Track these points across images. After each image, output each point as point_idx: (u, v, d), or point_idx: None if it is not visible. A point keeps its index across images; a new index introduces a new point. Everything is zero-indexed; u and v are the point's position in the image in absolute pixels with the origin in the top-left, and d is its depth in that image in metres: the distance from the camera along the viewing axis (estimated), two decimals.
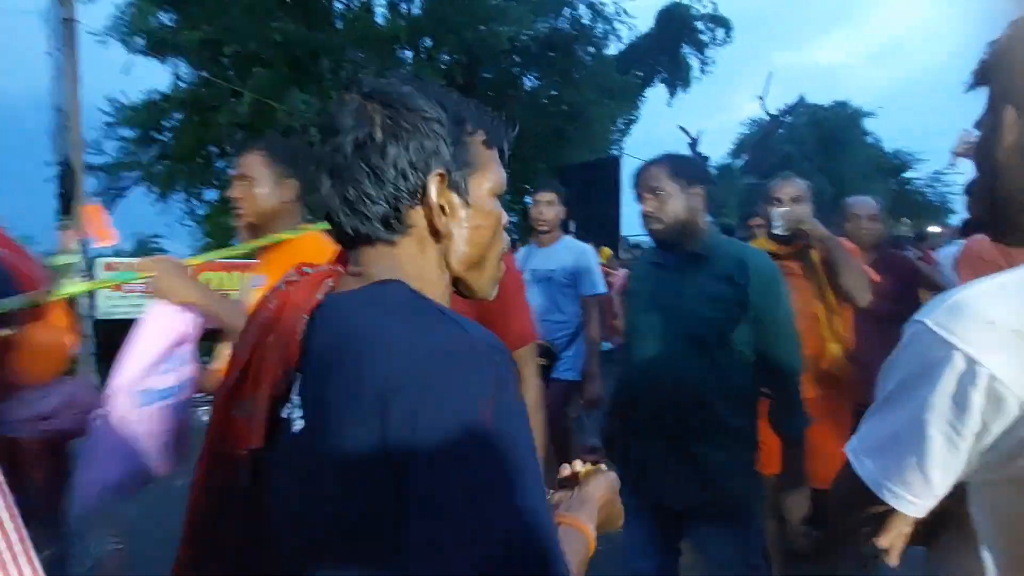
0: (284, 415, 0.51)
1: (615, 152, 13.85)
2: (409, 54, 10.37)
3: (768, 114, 23.56)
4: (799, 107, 25.32)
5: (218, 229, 9.90)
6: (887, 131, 34.69)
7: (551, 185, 2.77)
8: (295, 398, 0.50)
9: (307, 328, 0.52)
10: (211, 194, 9.98)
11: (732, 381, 1.36)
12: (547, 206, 2.67)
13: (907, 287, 2.26)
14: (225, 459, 0.56)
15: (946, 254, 5.27)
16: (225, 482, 0.57)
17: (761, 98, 22.75)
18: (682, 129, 21.68)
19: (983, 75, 0.60)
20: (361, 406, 0.44)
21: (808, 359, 1.70)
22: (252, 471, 0.54)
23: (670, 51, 13.75)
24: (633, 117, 14.40)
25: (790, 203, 1.90)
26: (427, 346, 0.45)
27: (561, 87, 11.64)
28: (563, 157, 12.04)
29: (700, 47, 13.54)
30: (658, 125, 20.86)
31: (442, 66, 9.80)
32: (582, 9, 12.08)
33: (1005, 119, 0.55)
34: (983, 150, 0.59)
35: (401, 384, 0.43)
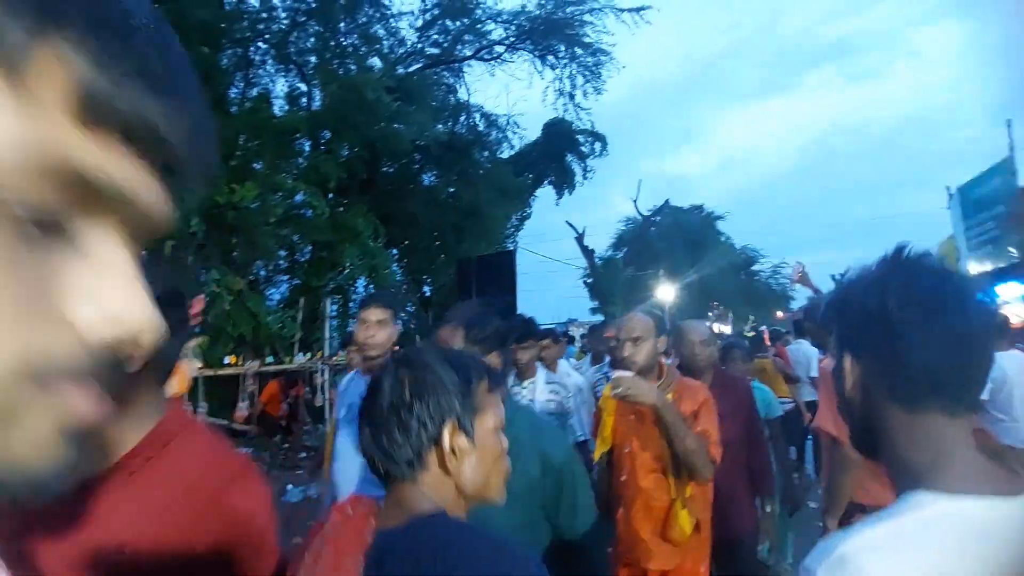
0: None
1: (510, 245, 14.62)
2: (307, 146, 10.37)
3: (640, 214, 26.71)
4: (665, 209, 29.07)
5: None
6: (735, 231, 40.77)
7: (383, 299, 2.21)
8: None
9: (367, 569, 0.61)
10: None
11: None
12: (378, 326, 2.04)
13: (742, 407, 2.25)
14: None
15: (795, 350, 6.08)
16: None
17: (634, 201, 25.89)
18: (569, 224, 23.71)
19: (828, 323, 0.74)
20: None
21: (654, 523, 1.70)
22: None
23: (557, 158, 15.29)
24: (526, 214, 15.47)
25: (629, 345, 1.82)
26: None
27: (459, 185, 12.28)
28: (462, 250, 12.42)
29: (582, 157, 15.24)
30: (548, 220, 22.53)
31: (342, 160, 9.87)
32: (477, 118, 13.20)
33: (845, 365, 0.66)
34: (837, 382, 0.71)
35: None
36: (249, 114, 8.52)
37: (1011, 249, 9.10)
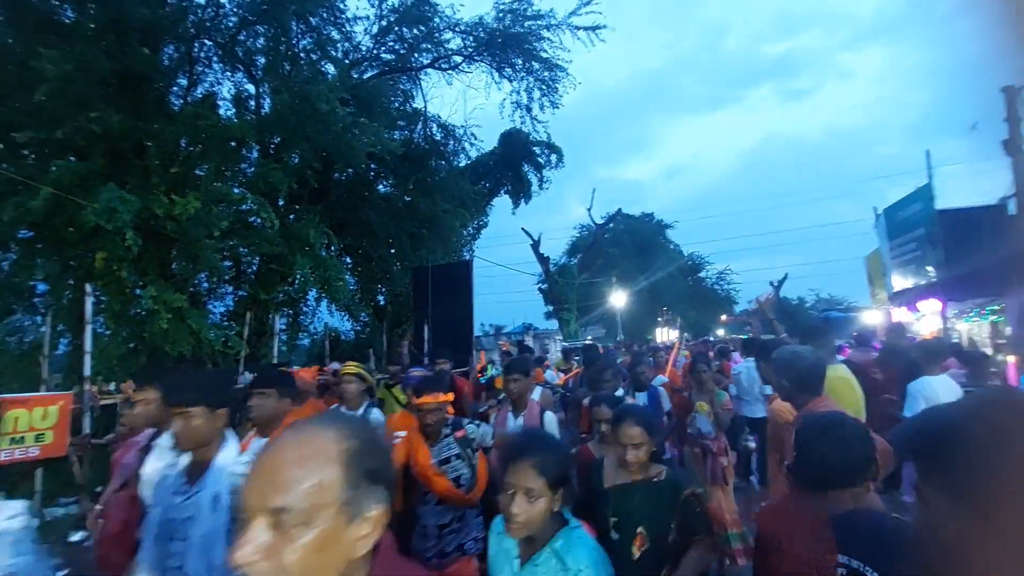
0: None
1: (467, 254, 14.55)
2: (255, 153, 9.91)
3: (594, 222, 27.23)
4: (617, 216, 29.77)
5: None
6: (682, 238, 42.37)
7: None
8: None
9: None
10: None
11: None
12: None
13: None
14: None
15: (737, 368, 6.35)
16: None
17: (588, 208, 26.34)
18: (525, 231, 23.86)
19: (915, 451, 0.73)
20: None
21: None
22: None
23: (513, 168, 15.35)
24: (483, 222, 15.45)
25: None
26: None
27: (416, 195, 12.11)
28: (418, 259, 12.25)
29: (539, 168, 15.38)
30: (504, 227, 22.61)
31: (292, 168, 9.50)
32: (434, 127, 13.05)
33: (945, 509, 0.66)
34: (925, 525, 0.71)
35: None
36: (192, 118, 8.03)
37: (929, 269, 9.93)
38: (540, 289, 27.00)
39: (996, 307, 8.48)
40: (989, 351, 8.80)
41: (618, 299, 25.18)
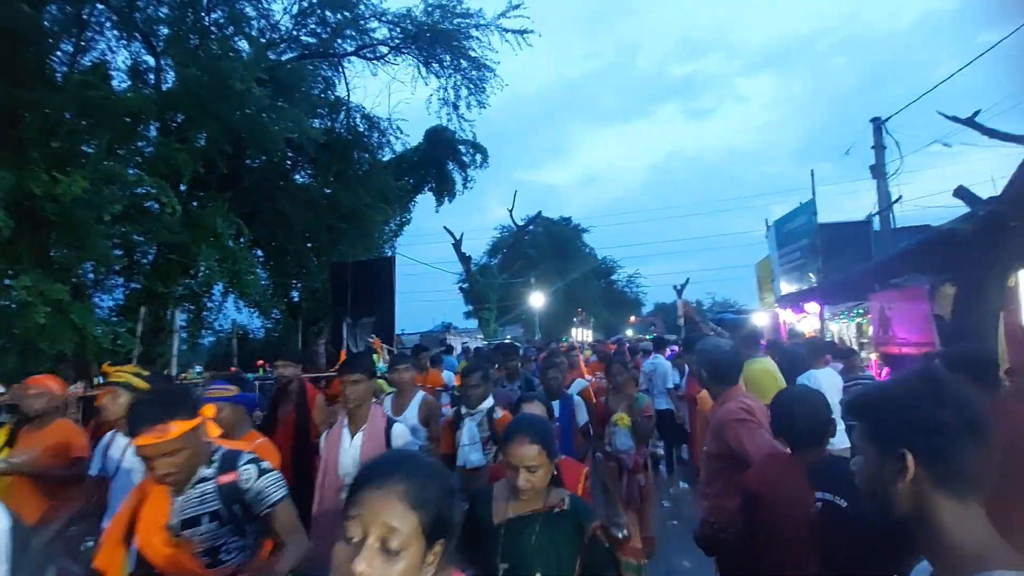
0: None
1: (388, 251, 14.19)
2: (154, 131, 8.99)
3: (515, 224, 27.67)
4: (538, 219, 30.47)
5: None
6: (597, 242, 44.26)
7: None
8: None
9: None
10: None
11: None
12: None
13: None
14: None
15: (646, 364, 6.82)
16: None
17: (510, 210, 26.73)
18: (447, 230, 23.71)
19: (859, 412, 0.84)
20: None
21: None
22: None
23: (438, 165, 15.21)
24: (405, 219, 15.15)
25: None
26: None
27: (336, 187, 11.60)
28: (337, 254, 11.75)
29: (463, 166, 15.36)
30: (427, 226, 22.32)
31: (198, 150, 8.71)
32: (358, 117, 12.60)
33: (907, 462, 0.76)
34: (873, 481, 0.80)
35: None
36: (79, 87, 7.11)
37: (811, 275, 11.26)
38: (461, 288, 26.94)
39: (861, 310, 9.80)
40: (855, 348, 10.16)
41: (537, 299, 25.76)
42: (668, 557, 4.01)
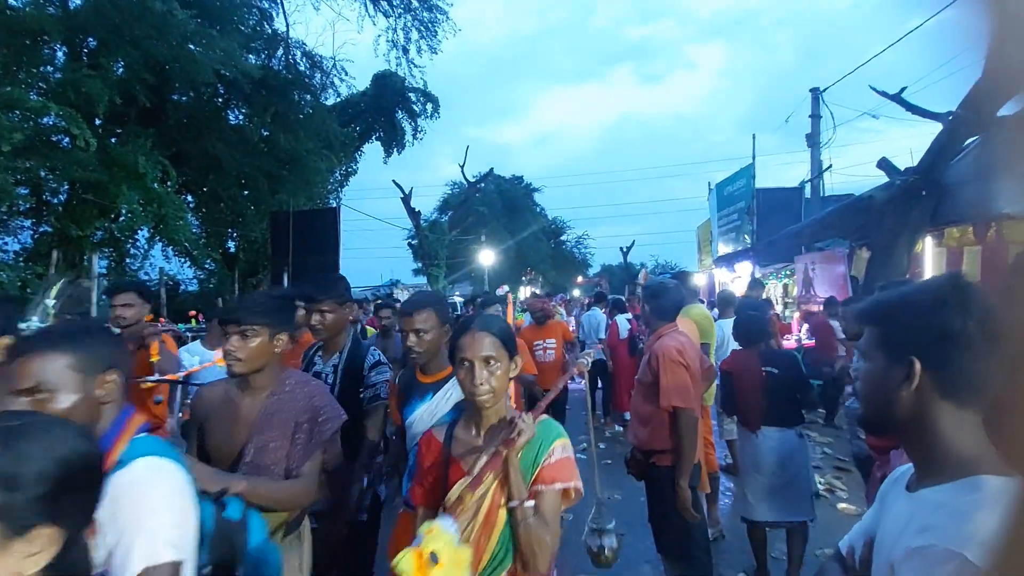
0: None
1: (333, 202, 13.63)
2: (62, 56, 8.02)
3: (467, 180, 27.14)
4: (489, 177, 30.02)
5: None
6: (547, 202, 44.41)
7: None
8: None
9: None
10: None
11: None
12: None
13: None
14: None
15: (589, 316, 7.02)
16: None
17: (461, 166, 26.08)
18: (396, 184, 22.91)
19: (872, 317, 0.82)
20: None
21: None
22: None
23: (386, 113, 14.55)
24: (352, 169, 14.52)
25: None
26: None
27: (275, 129, 10.89)
28: (277, 202, 11.17)
29: (413, 116, 14.77)
30: (374, 178, 21.54)
31: (115, 79, 7.87)
32: (298, 55, 11.75)
33: (914, 368, 0.74)
34: (874, 386, 0.79)
35: None
36: None
37: (746, 236, 11.86)
38: (410, 244, 26.44)
39: (788, 272, 10.47)
40: (779, 308, 10.91)
41: (486, 257, 25.72)
42: (601, 491, 4.28)
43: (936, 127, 5.84)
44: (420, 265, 26.05)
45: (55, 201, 8.38)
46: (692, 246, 20.55)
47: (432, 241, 23.61)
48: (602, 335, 6.52)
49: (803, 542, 2.74)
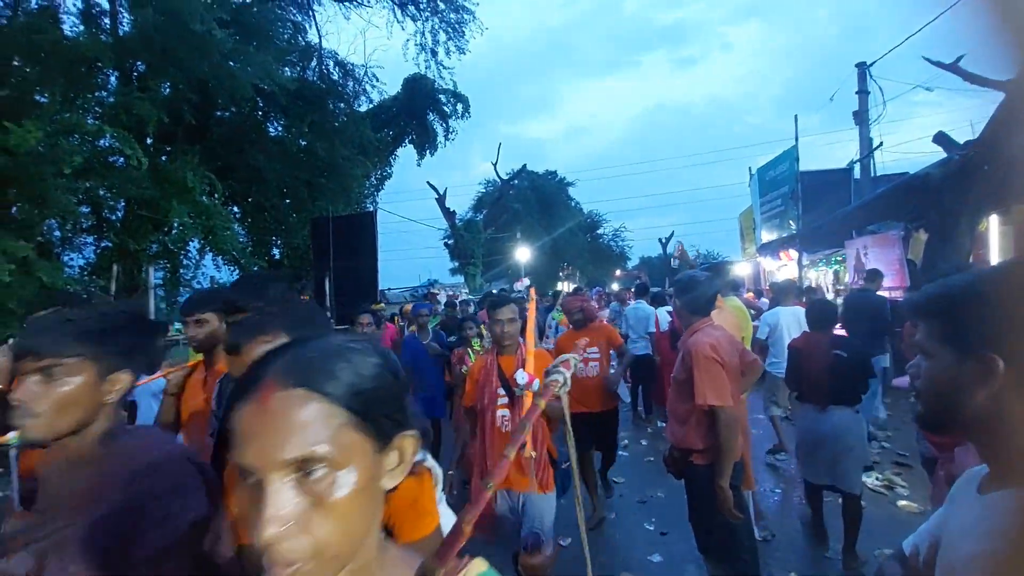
0: None
1: (370, 205, 13.94)
2: (115, 79, 8.51)
3: (500, 178, 27.21)
4: (522, 173, 30.00)
5: None
6: (582, 196, 43.97)
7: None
8: None
9: None
10: None
11: None
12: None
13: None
14: None
15: (634, 309, 6.88)
16: None
17: (494, 164, 26.18)
18: (431, 185, 23.25)
19: (933, 310, 0.74)
20: None
21: None
22: None
23: (418, 116, 14.74)
24: (386, 173, 14.80)
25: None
26: None
27: (312, 138, 11.22)
28: (316, 209, 11.51)
29: (444, 117, 14.91)
30: (409, 181, 21.85)
31: (163, 99, 8.30)
32: (331, 65, 12.05)
33: (994, 368, 0.66)
34: (945, 385, 0.71)
35: None
36: (26, 31, 6.66)
37: (791, 222, 11.36)
38: (446, 244, 26.74)
39: (839, 257, 9.96)
40: (830, 295, 10.39)
41: (522, 254, 25.71)
42: (643, 488, 4.21)
43: (998, 96, 5.41)
44: (457, 264, 26.34)
45: (113, 218, 8.91)
46: (734, 234, 19.92)
47: (468, 240, 23.84)
48: (651, 329, 6.35)
49: (858, 514, 3.01)
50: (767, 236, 12.66)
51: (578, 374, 3.39)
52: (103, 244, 8.94)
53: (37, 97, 7.15)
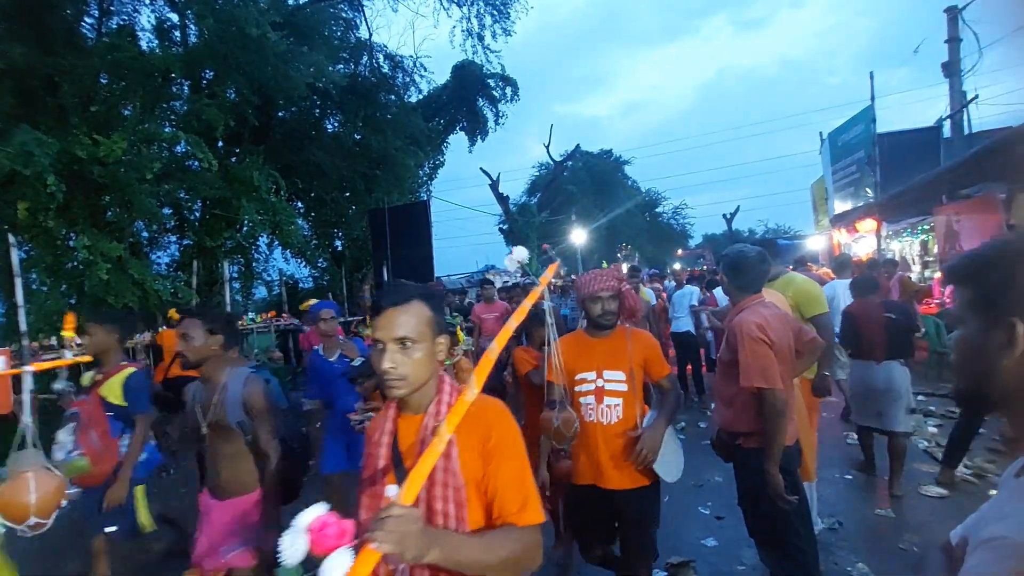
0: None
1: (423, 195, 14.23)
2: (186, 88, 9.14)
3: (552, 160, 26.90)
4: (576, 153, 29.48)
5: None
6: (639, 174, 42.62)
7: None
8: None
9: None
10: None
11: None
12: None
13: None
14: None
15: (678, 294, 6.70)
16: None
17: (546, 146, 25.90)
18: (484, 172, 23.37)
19: (962, 276, 0.71)
20: None
21: None
22: None
23: (467, 103, 14.80)
24: (439, 162, 15.02)
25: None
26: None
27: (366, 132, 11.56)
28: (373, 200, 11.91)
29: (493, 101, 14.87)
30: (463, 168, 22.06)
31: (228, 104, 8.84)
32: (381, 58, 12.31)
33: (1018, 332, 0.64)
34: (973, 354, 0.69)
35: None
36: (108, 50, 7.27)
37: (867, 190, 10.43)
38: (501, 229, 26.87)
39: (926, 226, 9.05)
40: (917, 268, 9.48)
41: (578, 236, 25.39)
42: (699, 472, 4.08)
43: None
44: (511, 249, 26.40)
45: (192, 218, 9.66)
46: (807, 207, 18.59)
47: (522, 224, 23.81)
48: (693, 302, 6.19)
49: (903, 449, 3.69)
50: (840, 206, 11.71)
51: (586, 418, 2.14)
52: (184, 242, 9.72)
53: (121, 110, 7.83)
